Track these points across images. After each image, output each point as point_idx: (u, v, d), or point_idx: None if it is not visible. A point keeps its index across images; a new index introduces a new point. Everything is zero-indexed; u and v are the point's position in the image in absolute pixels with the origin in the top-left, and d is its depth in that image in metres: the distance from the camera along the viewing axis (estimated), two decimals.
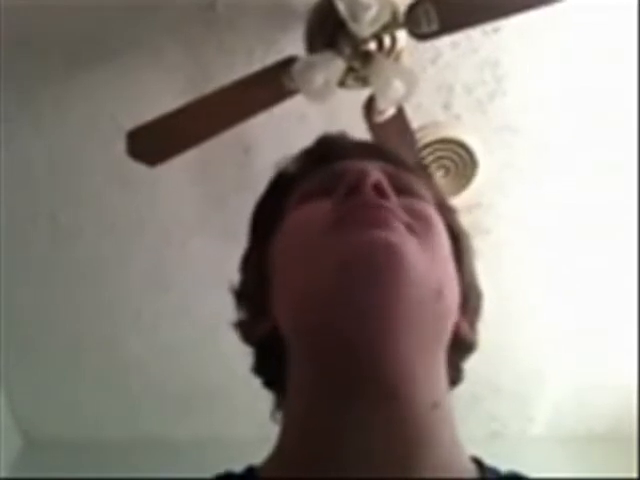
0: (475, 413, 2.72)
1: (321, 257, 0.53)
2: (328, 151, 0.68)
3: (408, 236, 0.53)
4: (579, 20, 1.78)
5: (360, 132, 1.70)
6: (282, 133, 1.93)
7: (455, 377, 0.59)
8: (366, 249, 0.51)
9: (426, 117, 1.97)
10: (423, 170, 0.76)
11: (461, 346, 0.59)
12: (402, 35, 1.60)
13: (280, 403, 0.59)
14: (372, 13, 1.44)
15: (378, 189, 0.56)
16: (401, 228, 0.53)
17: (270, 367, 0.60)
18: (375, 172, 0.57)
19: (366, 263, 0.50)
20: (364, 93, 1.71)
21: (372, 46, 1.59)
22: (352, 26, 1.48)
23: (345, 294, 0.50)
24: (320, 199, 0.60)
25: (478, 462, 0.56)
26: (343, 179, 0.58)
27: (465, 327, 0.60)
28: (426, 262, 0.52)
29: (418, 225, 0.56)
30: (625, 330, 2.53)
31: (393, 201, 0.56)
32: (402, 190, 0.61)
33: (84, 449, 2.80)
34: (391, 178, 0.60)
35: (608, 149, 2.06)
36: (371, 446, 0.49)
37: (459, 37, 1.77)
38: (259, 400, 0.62)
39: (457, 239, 0.64)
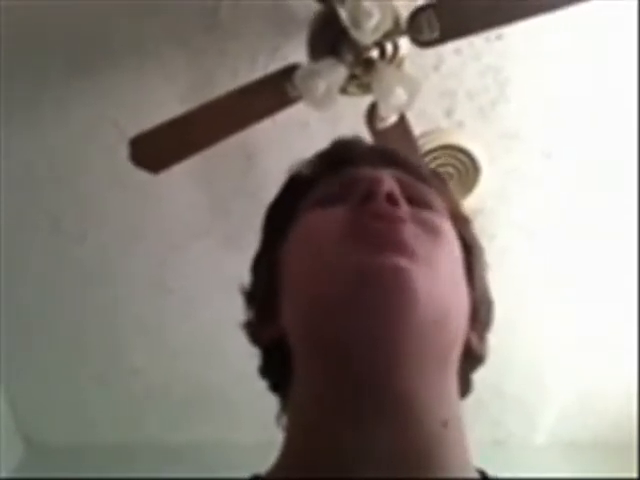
0: (479, 420, 2.71)
1: (332, 272, 0.53)
2: (343, 156, 0.67)
3: (417, 256, 0.53)
4: (581, 26, 1.78)
5: (363, 138, 1.70)
6: (285, 140, 1.94)
7: (464, 389, 0.59)
8: (376, 273, 0.51)
9: (429, 124, 1.97)
10: (438, 178, 0.74)
11: (470, 359, 0.59)
12: (404, 42, 1.60)
13: (285, 407, 0.59)
14: (374, 21, 1.44)
15: (391, 198, 0.56)
16: (410, 244, 0.53)
17: (276, 371, 0.60)
18: (389, 181, 0.57)
19: (375, 287, 0.50)
20: (366, 100, 1.72)
21: (374, 53, 1.59)
22: (354, 33, 1.48)
23: (354, 316, 0.51)
24: (333, 205, 0.59)
25: (482, 473, 0.56)
26: (357, 187, 0.58)
27: (475, 340, 0.60)
28: (433, 285, 0.52)
29: (428, 238, 0.56)
30: (627, 335, 2.52)
31: (405, 211, 0.56)
32: (415, 200, 0.60)
33: (86, 453, 2.80)
34: (404, 187, 0.60)
35: (611, 155, 2.07)
36: (378, 461, 0.49)
37: (462, 44, 1.77)
38: (262, 404, 0.62)
39: (469, 250, 0.63)
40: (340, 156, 0.67)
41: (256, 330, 0.62)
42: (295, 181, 0.68)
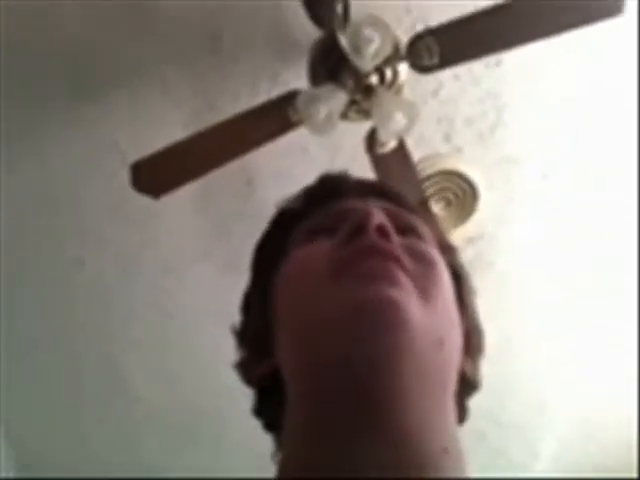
0: (479, 448, 2.69)
1: (324, 306, 0.52)
2: (330, 189, 0.67)
3: (410, 288, 0.53)
4: (579, 51, 1.80)
5: (362, 164, 1.71)
6: (285, 165, 1.94)
7: (460, 416, 0.59)
8: (368, 305, 0.51)
9: (427, 149, 1.98)
10: (425, 209, 0.75)
11: (466, 386, 0.59)
12: (404, 68, 1.62)
13: (281, 445, 0.58)
14: (374, 47, 1.46)
15: (381, 231, 0.55)
16: (403, 280, 0.53)
17: (270, 409, 0.59)
18: (378, 213, 0.57)
19: (368, 319, 0.50)
20: (366, 125, 1.73)
21: (374, 79, 1.61)
22: (354, 60, 1.50)
23: (348, 348, 0.50)
24: (323, 239, 0.59)
25: None
26: (346, 219, 0.57)
27: (469, 367, 0.60)
28: (427, 314, 0.52)
29: (420, 269, 0.56)
30: (627, 360, 2.51)
31: (396, 243, 0.56)
32: (404, 230, 0.60)
33: (79, 476, 2.76)
34: (393, 218, 0.60)
35: (611, 179, 2.07)
36: None
37: (460, 70, 1.79)
38: (260, 431, 0.62)
39: (459, 279, 0.64)
40: (328, 190, 0.67)
41: (250, 368, 0.62)
42: (283, 217, 0.68)
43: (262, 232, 0.70)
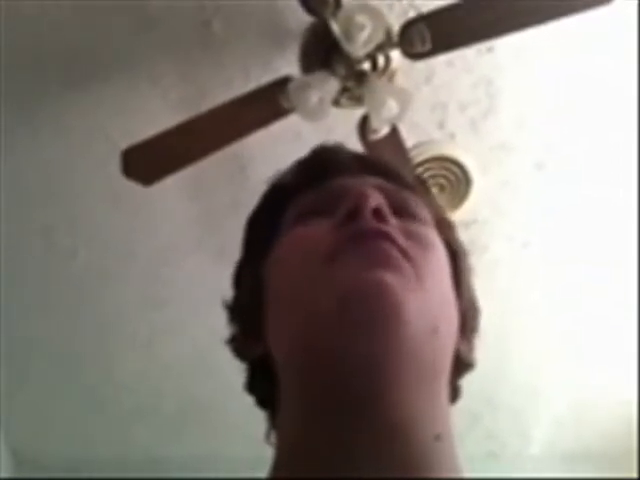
0: (473, 432, 2.71)
1: (318, 291, 0.52)
2: (325, 165, 0.65)
3: (406, 270, 0.52)
4: (573, 37, 1.80)
5: (356, 149, 1.71)
6: (278, 151, 1.94)
7: (453, 396, 0.58)
8: (362, 290, 0.50)
9: (421, 135, 1.98)
10: (422, 185, 0.73)
11: (460, 367, 0.59)
12: (396, 55, 1.62)
13: (274, 423, 0.58)
14: (366, 33, 1.46)
15: (378, 214, 0.54)
16: (399, 261, 0.52)
17: (263, 388, 0.59)
18: (375, 195, 0.56)
19: (360, 303, 0.49)
20: (359, 112, 1.72)
21: (366, 66, 1.60)
22: (346, 46, 1.50)
23: (341, 334, 0.50)
24: (318, 220, 0.58)
25: None
26: (343, 201, 0.56)
27: (464, 348, 0.59)
28: (423, 300, 0.51)
29: (416, 250, 0.55)
30: (624, 345, 2.53)
31: (392, 225, 0.55)
32: (401, 210, 0.59)
33: (77, 469, 2.77)
34: (390, 197, 0.58)
35: (605, 165, 2.08)
36: (370, 475, 0.48)
37: (453, 56, 1.78)
38: (255, 419, 0.62)
39: (456, 258, 0.62)
40: (323, 165, 0.66)
41: (241, 346, 0.61)
42: (276, 192, 0.67)
43: (254, 207, 0.68)
